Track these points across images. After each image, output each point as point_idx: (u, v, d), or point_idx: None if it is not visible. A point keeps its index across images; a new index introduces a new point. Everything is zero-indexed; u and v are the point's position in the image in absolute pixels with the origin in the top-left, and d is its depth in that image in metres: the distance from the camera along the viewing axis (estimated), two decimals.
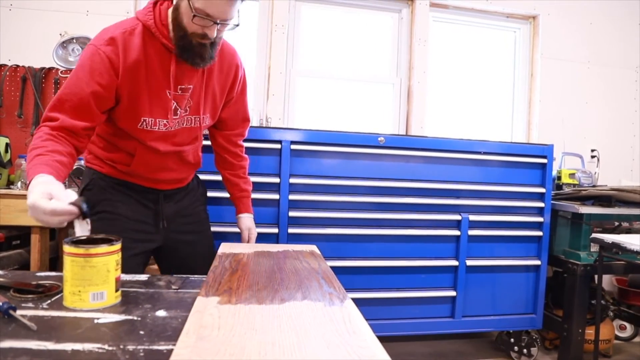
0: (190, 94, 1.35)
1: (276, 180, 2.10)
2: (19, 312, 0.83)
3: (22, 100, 2.46)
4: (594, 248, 2.29)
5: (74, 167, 2.17)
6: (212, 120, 1.46)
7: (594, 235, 2.10)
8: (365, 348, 0.68)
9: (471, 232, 2.29)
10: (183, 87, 1.32)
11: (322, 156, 2.17)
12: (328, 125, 2.63)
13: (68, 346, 0.72)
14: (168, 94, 1.30)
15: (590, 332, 2.33)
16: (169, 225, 1.46)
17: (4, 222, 2.03)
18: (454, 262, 2.30)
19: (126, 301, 0.95)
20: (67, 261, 0.89)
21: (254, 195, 2.02)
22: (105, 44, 1.21)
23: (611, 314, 2.58)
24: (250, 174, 1.79)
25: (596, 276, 2.23)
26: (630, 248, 1.83)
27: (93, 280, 0.89)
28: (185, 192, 1.54)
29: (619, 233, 2.30)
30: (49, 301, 0.92)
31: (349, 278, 2.18)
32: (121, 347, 0.73)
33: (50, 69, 2.49)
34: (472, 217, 2.28)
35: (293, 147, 2.12)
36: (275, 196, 2.11)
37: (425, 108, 3.08)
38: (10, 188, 2.11)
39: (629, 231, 2.41)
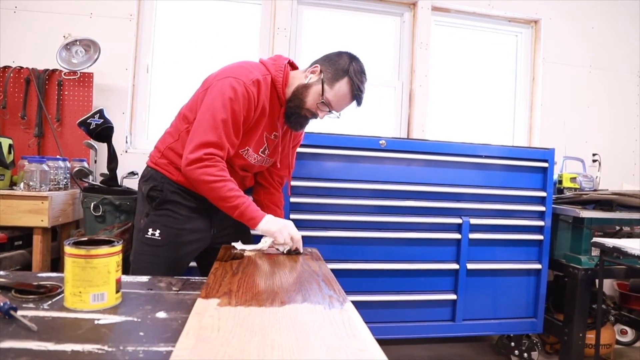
0: (276, 141, 1.59)
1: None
2: (19, 313, 0.83)
3: (26, 101, 2.47)
4: (595, 252, 2.29)
5: (77, 169, 2.18)
6: (274, 162, 1.66)
7: (595, 239, 2.10)
8: (365, 351, 0.68)
9: (472, 236, 2.28)
10: (275, 134, 1.57)
11: (324, 159, 2.17)
12: (329, 128, 2.63)
13: (68, 347, 0.72)
14: (264, 136, 1.54)
15: (591, 336, 2.32)
16: (217, 232, 1.61)
17: (7, 223, 2.03)
18: (455, 266, 2.29)
19: (127, 302, 0.95)
20: (68, 262, 0.89)
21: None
22: (251, 84, 1.41)
23: (612, 318, 2.57)
24: None
25: (597, 280, 2.22)
26: (632, 252, 1.83)
27: (94, 281, 0.89)
28: None
29: (620, 237, 2.29)
30: (50, 302, 0.93)
31: (349, 281, 2.18)
32: (121, 348, 0.73)
33: (54, 70, 2.50)
34: (473, 221, 2.28)
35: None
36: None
37: (427, 111, 3.08)
38: (12, 189, 2.11)
39: (630, 235, 2.40)
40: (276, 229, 1.36)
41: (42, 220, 2.04)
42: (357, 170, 2.20)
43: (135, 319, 0.86)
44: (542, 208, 2.36)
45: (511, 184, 2.35)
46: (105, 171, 2.32)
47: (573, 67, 3.25)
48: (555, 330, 2.42)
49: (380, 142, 2.20)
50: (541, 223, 2.35)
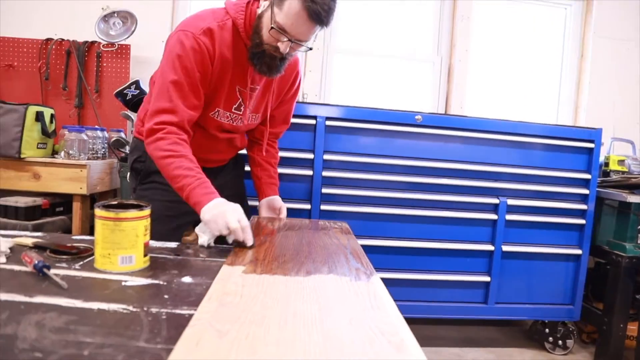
0: (256, 94, 1.41)
1: (310, 156, 2.08)
2: (52, 271, 0.85)
3: (67, 73, 2.53)
4: None
5: (114, 139, 2.22)
6: (262, 119, 1.52)
7: None
8: (389, 324, 0.66)
9: (509, 217, 2.20)
10: (252, 87, 1.38)
11: (358, 133, 2.13)
12: (364, 103, 2.58)
13: (95, 305, 0.73)
14: (237, 90, 1.36)
15: (633, 327, 2.22)
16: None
17: (49, 190, 2.11)
18: (490, 247, 2.22)
19: (154, 266, 0.96)
20: (98, 224, 0.90)
21: (287, 171, 2.02)
22: (202, 34, 1.24)
23: None
24: (284, 149, 1.77)
25: None
26: None
27: (122, 244, 0.90)
28: (226, 168, 1.59)
29: None
30: (82, 262, 0.94)
31: (379, 257, 2.15)
32: (145, 309, 0.73)
33: (93, 42, 2.54)
34: (511, 202, 2.19)
35: (328, 123, 2.08)
36: (309, 172, 2.09)
37: (466, 87, 2.96)
38: (54, 157, 2.18)
39: None
40: (209, 217, 1.12)
41: (80, 188, 2.10)
42: (392, 146, 2.15)
43: (162, 283, 0.87)
44: (586, 191, 2.24)
45: (553, 164, 2.24)
46: None
47: (627, 42, 3.03)
48: (593, 319, 2.32)
49: (416, 117, 2.13)
50: (584, 207, 2.24)
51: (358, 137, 2.13)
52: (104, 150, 2.32)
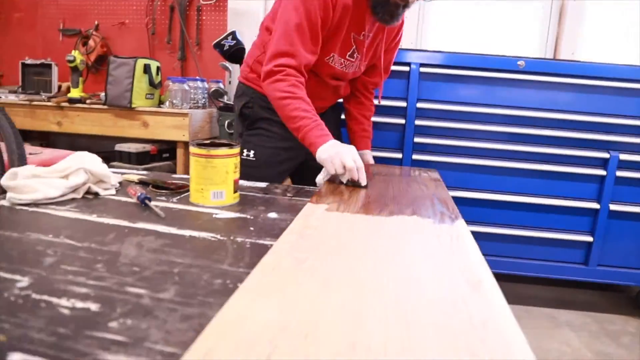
0: (368, 42, 1.39)
1: (403, 104, 2.01)
2: (153, 203, 0.92)
3: (170, 27, 2.66)
4: None
5: (213, 89, 2.32)
6: (367, 67, 1.49)
7: None
8: (468, 265, 0.62)
9: (619, 173, 1.96)
10: (364, 34, 1.36)
11: (454, 80, 2.00)
12: (462, 48, 2.40)
13: (187, 232, 0.78)
14: (352, 37, 1.35)
15: None
16: None
17: (156, 137, 2.29)
18: (595, 205, 2.01)
19: (243, 202, 1.00)
20: (192, 161, 0.95)
21: (379, 119, 1.97)
22: None
23: None
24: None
25: None
26: None
27: (214, 180, 0.94)
28: (326, 115, 1.58)
29: None
30: (179, 197, 1.01)
31: (471, 210, 2.06)
32: (231, 238, 0.77)
33: None
34: (623, 156, 1.94)
35: (422, 70, 1.98)
36: (401, 121, 2.02)
37: (580, 30, 2.62)
38: (160, 107, 2.34)
39: None
40: (326, 157, 1.15)
41: (183, 135, 2.25)
42: (490, 94, 1.99)
43: (249, 217, 0.90)
44: None
45: None
46: None
47: None
48: None
49: (519, 62, 1.94)
50: None
51: (454, 85, 2.00)
52: (204, 100, 2.44)
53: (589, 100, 1.96)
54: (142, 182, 1.10)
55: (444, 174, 1.44)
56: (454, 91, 2.01)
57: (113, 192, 1.00)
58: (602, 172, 1.97)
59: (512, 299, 2.44)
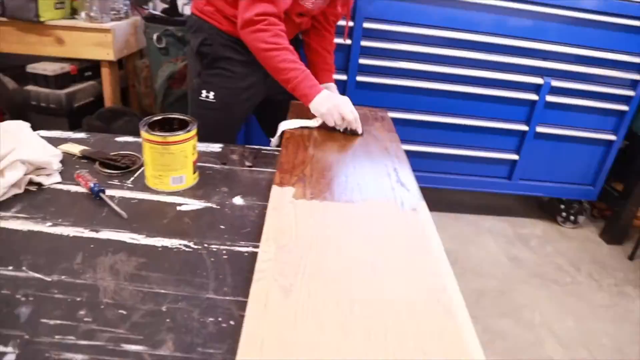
0: None
1: (350, 24, 1.90)
2: (107, 192, 0.87)
3: None
4: None
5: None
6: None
7: None
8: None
9: (549, 98, 2.08)
10: None
11: None
12: None
13: (158, 241, 0.75)
14: None
15: None
16: (272, 83, 1.44)
17: (74, 55, 2.02)
18: (524, 127, 2.16)
19: (203, 182, 0.96)
20: (146, 147, 0.88)
21: None
22: None
23: None
24: None
25: None
26: None
27: (172, 166, 0.89)
28: None
29: None
30: (132, 178, 0.95)
31: (410, 130, 2.12)
32: (205, 245, 0.76)
33: None
34: (555, 83, 2.05)
35: None
36: (347, 41, 1.94)
37: None
38: (74, 18, 2.02)
39: None
40: (325, 110, 1.17)
41: (107, 54, 2.00)
42: (434, 16, 1.94)
43: (214, 206, 0.88)
44: (636, 76, 2.06)
45: (605, 44, 2.01)
46: None
47: None
48: (610, 200, 2.36)
49: None
50: (630, 93, 2.08)
51: (398, 3, 1.92)
52: (126, 8, 2.14)
53: (525, 24, 1.97)
54: (85, 158, 1.00)
55: (386, 96, 1.41)
56: (400, 10, 1.93)
57: (58, 178, 0.91)
58: (534, 97, 2.09)
59: (443, 206, 2.68)
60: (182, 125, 0.93)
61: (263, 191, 0.95)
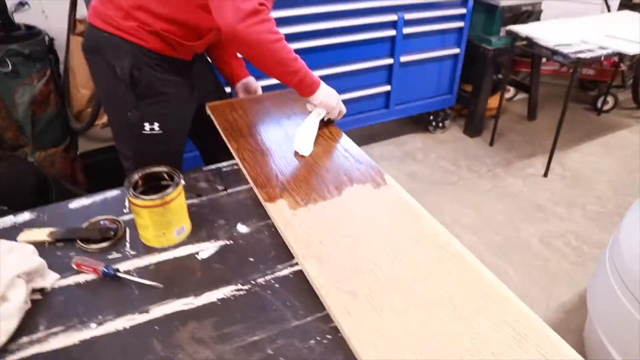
0: None
1: None
2: (122, 270, 0.84)
3: None
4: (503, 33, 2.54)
5: None
6: None
7: (509, 27, 2.32)
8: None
9: (406, 31, 2.35)
10: None
11: None
12: None
13: (211, 296, 0.79)
14: None
15: (491, 101, 2.79)
16: (200, 92, 1.37)
17: None
18: (390, 60, 2.42)
19: (196, 221, 0.97)
20: (144, 213, 0.86)
21: None
22: None
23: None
24: None
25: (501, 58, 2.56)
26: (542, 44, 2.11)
27: (174, 221, 0.90)
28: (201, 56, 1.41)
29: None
30: (127, 243, 0.92)
31: None
32: (252, 282, 0.82)
33: None
34: (408, 16, 2.31)
35: None
36: None
37: None
38: None
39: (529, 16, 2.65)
40: (335, 103, 1.24)
41: None
42: None
43: (228, 242, 0.92)
44: None
45: None
46: None
47: None
48: (464, 101, 2.84)
49: None
50: (463, 10, 2.47)
51: None
52: None
53: None
54: (60, 240, 0.93)
55: None
56: None
57: (55, 275, 0.84)
58: (393, 32, 2.33)
59: None
60: (162, 177, 0.93)
61: (255, 211, 1.01)
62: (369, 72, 2.42)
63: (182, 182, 0.91)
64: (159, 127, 1.22)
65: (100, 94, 1.34)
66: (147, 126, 1.22)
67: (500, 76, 2.78)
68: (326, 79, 2.24)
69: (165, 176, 0.95)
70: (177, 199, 0.89)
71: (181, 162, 1.36)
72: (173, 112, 1.26)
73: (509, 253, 1.98)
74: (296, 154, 1.17)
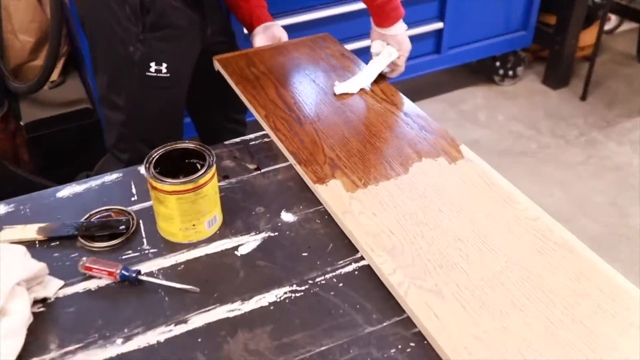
0: None
1: None
2: (143, 271, 0.94)
3: None
4: None
5: None
6: None
7: None
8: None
9: None
10: None
11: None
12: None
13: (261, 300, 0.90)
14: None
15: (583, 38, 2.84)
16: (211, 33, 1.49)
17: None
18: None
19: (229, 210, 1.08)
20: (171, 200, 0.95)
21: None
22: None
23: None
24: None
25: None
26: None
27: (206, 209, 1.00)
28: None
29: None
30: (144, 240, 1.02)
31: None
32: (310, 282, 0.92)
33: None
34: None
35: None
36: None
37: None
38: None
39: None
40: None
41: None
42: None
43: (272, 234, 1.03)
44: None
45: None
46: None
47: None
48: (546, 40, 2.88)
49: None
50: None
51: None
52: None
53: None
54: (54, 239, 1.03)
55: None
56: None
57: (59, 282, 0.93)
58: None
59: None
60: (186, 155, 1.03)
61: (301, 194, 1.11)
62: (414, 3, 2.48)
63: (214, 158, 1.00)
64: (166, 68, 1.32)
65: (89, 24, 1.41)
66: (153, 66, 1.31)
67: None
68: (358, 14, 2.37)
69: (189, 154, 1.05)
70: (211, 182, 0.99)
71: (182, 121, 1.46)
72: (181, 51, 1.36)
73: (612, 247, 2.05)
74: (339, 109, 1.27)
